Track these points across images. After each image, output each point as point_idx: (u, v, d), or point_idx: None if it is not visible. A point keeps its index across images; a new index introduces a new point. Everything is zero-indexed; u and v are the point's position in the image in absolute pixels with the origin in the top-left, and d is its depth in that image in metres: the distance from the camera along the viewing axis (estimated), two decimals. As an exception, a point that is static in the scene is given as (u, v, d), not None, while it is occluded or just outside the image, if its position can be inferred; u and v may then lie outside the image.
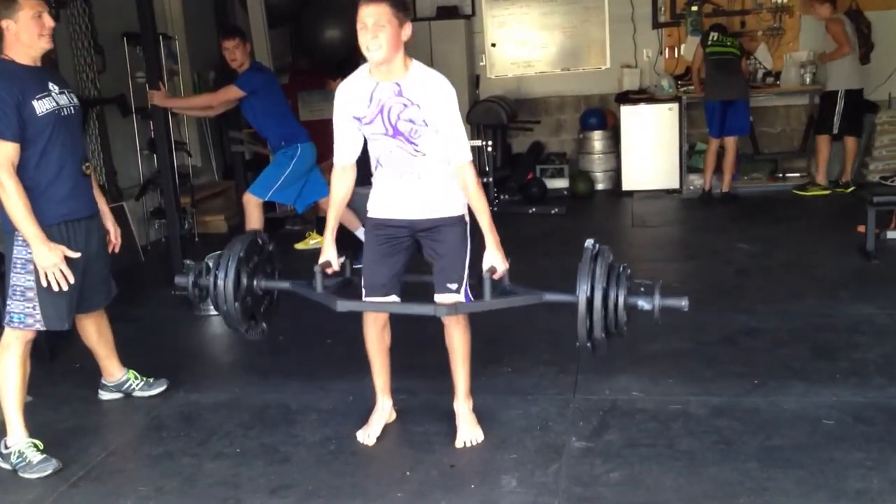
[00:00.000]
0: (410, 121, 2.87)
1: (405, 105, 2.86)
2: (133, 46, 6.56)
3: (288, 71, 8.51)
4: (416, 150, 2.93)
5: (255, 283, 3.25)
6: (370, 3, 2.76)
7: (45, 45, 3.15)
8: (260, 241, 3.37)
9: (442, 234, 3.02)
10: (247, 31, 7.31)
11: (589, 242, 2.91)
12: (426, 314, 3.05)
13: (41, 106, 3.09)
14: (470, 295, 3.07)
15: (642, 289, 2.86)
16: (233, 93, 5.43)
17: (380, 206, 3.07)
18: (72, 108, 3.26)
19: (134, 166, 7.02)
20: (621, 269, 2.87)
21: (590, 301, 2.78)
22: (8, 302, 3.18)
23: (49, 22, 3.10)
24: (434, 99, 2.85)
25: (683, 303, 2.86)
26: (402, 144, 2.92)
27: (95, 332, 3.62)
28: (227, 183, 7.72)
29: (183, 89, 7.64)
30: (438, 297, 3.03)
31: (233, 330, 3.38)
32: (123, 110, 6.76)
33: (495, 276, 2.95)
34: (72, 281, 3.13)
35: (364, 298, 3.09)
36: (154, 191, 6.62)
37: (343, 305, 3.04)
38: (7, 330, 3.20)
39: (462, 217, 3.04)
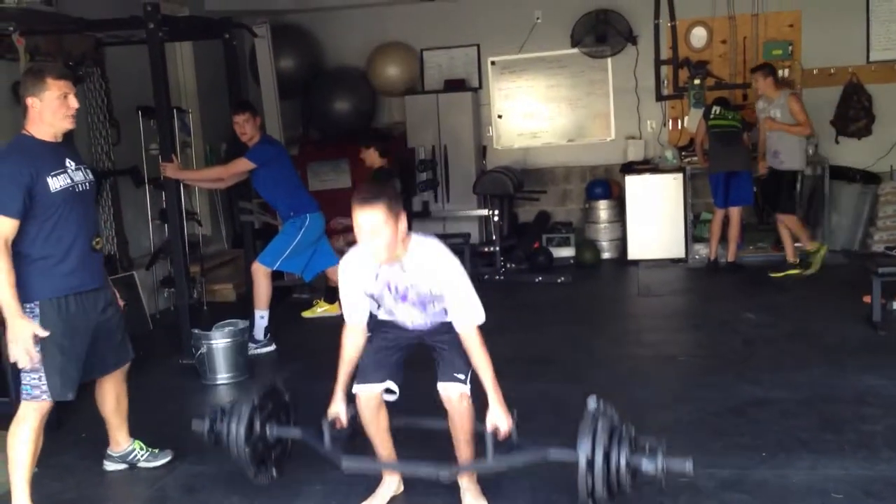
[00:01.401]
0: (418, 293, 3.00)
1: (411, 284, 2.99)
2: (147, 119, 6.72)
3: (298, 142, 8.67)
4: (425, 312, 3.07)
5: (267, 430, 3.33)
6: (364, 210, 2.83)
7: (67, 125, 3.25)
8: (279, 390, 3.47)
9: (448, 336, 3.09)
10: (259, 103, 7.50)
11: (591, 400, 2.92)
12: (430, 477, 3.15)
13: (55, 182, 3.17)
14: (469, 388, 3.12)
15: (647, 446, 2.85)
16: (243, 165, 5.54)
17: (386, 315, 3.19)
18: (87, 183, 3.34)
19: (145, 236, 7.11)
20: (624, 428, 2.88)
21: (590, 462, 2.78)
22: (22, 375, 3.23)
23: (74, 103, 3.20)
24: (436, 275, 2.96)
25: (688, 466, 2.80)
26: (410, 307, 3.07)
27: (113, 401, 3.64)
28: (236, 252, 7.79)
29: (195, 161, 7.78)
30: (443, 386, 3.07)
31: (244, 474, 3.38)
32: (136, 181, 6.88)
33: (499, 437, 2.99)
34: (36, 361, 3.15)
35: (356, 385, 3.14)
36: (164, 260, 6.68)
37: (348, 467, 3.15)
38: (23, 403, 3.24)
39: None
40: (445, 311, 3.05)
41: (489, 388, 3.01)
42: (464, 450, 3.15)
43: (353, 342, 3.17)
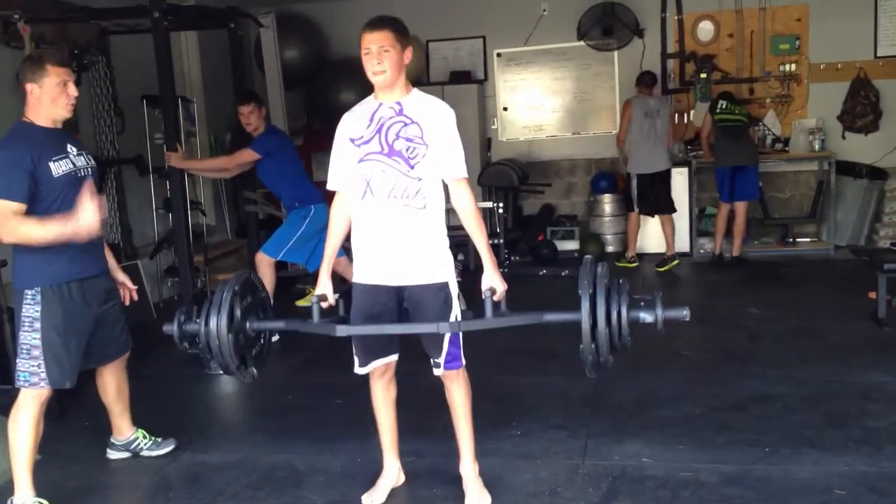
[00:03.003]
0: (409, 139, 2.91)
1: (405, 123, 2.93)
2: (152, 108, 6.71)
3: (303, 132, 8.66)
4: (410, 171, 2.91)
5: (247, 323, 3.10)
6: (374, 31, 2.90)
7: (66, 113, 3.24)
8: (255, 283, 3.23)
9: (425, 304, 2.98)
10: (263, 93, 7.48)
11: (587, 258, 2.90)
12: (429, 332, 2.97)
13: (57, 168, 3.16)
14: (460, 360, 3.07)
15: (642, 303, 2.81)
16: (248, 156, 5.53)
17: (365, 267, 3.02)
18: (89, 169, 3.33)
19: (149, 225, 7.12)
20: (620, 283, 2.83)
21: (593, 316, 2.72)
22: (18, 361, 3.22)
23: (73, 91, 3.19)
24: (433, 117, 2.94)
25: (685, 313, 2.80)
26: (396, 164, 2.91)
27: (115, 389, 3.64)
28: (240, 241, 7.79)
29: (200, 150, 7.78)
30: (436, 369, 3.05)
31: (222, 369, 3.13)
32: (141, 170, 6.88)
33: (495, 298, 2.95)
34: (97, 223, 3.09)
35: (358, 367, 3.09)
36: (168, 249, 6.69)
37: (342, 330, 2.96)
38: (22, 391, 3.23)
39: (446, 284, 3.00)
40: (425, 201, 2.92)
41: (483, 252, 2.98)
42: (463, 428, 3.15)
43: (340, 211, 3.08)
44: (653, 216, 7.61)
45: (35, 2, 5.50)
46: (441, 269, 3.00)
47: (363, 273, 3.03)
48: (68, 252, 3.20)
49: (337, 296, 3.10)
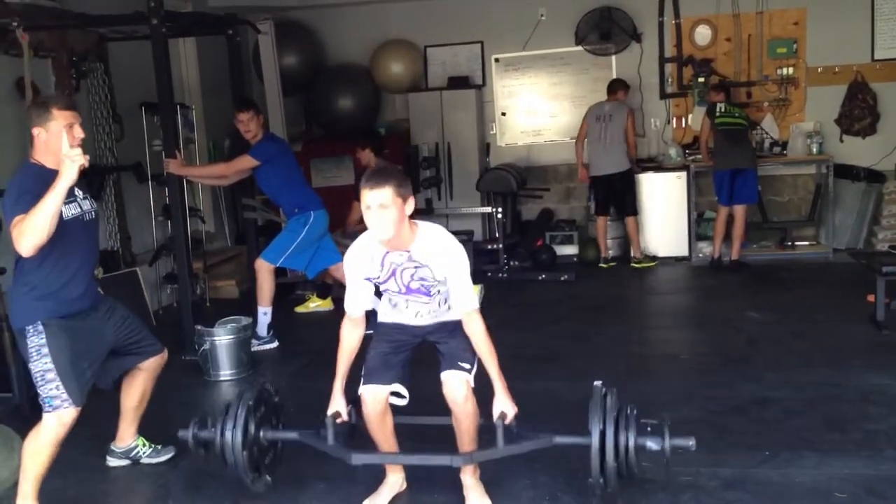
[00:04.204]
0: (422, 279, 3.02)
1: (416, 267, 3.01)
2: (151, 115, 6.71)
3: (301, 138, 8.67)
4: (430, 300, 3.09)
5: (261, 433, 3.24)
6: (374, 188, 2.88)
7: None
8: (268, 392, 3.38)
9: (450, 331, 3.14)
10: (262, 99, 7.49)
11: (597, 384, 2.99)
12: (442, 465, 3.13)
13: (68, 210, 3.18)
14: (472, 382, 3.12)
15: (649, 428, 2.95)
16: (247, 162, 5.54)
17: (392, 317, 3.23)
18: (92, 213, 3.37)
19: (148, 232, 7.12)
20: (629, 410, 2.96)
21: (602, 447, 2.85)
22: (38, 390, 3.24)
23: (79, 133, 3.19)
24: (441, 260, 3.00)
25: (691, 443, 2.95)
26: (416, 298, 3.10)
27: (140, 395, 3.66)
28: (239, 248, 7.79)
29: (198, 157, 7.78)
30: (447, 374, 3.06)
31: (238, 478, 3.24)
32: (139, 177, 6.88)
33: (506, 422, 3.02)
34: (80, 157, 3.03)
35: (363, 386, 3.11)
36: (167, 256, 6.69)
37: (358, 459, 3.12)
38: (45, 416, 3.24)
39: None
40: (448, 303, 3.09)
41: (494, 376, 3.03)
42: (468, 445, 3.15)
43: (351, 334, 3.17)
44: (607, 215, 7.70)
45: (33, 9, 5.51)
46: None
47: (390, 317, 3.23)
48: (70, 294, 3.24)
49: (350, 407, 3.19)
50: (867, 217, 7.75)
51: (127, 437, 3.74)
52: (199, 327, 5.09)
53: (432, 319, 3.17)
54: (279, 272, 5.86)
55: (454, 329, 3.12)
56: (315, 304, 6.58)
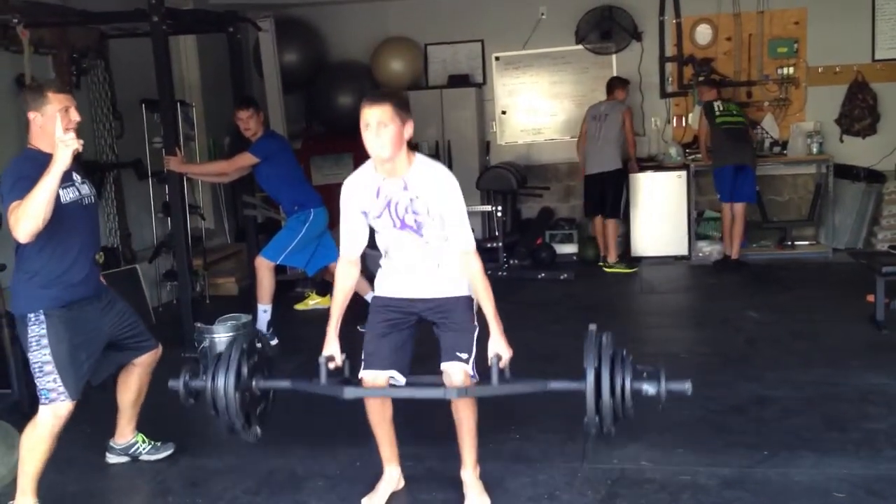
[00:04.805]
0: (416, 212, 2.96)
1: (411, 199, 2.95)
2: (151, 112, 6.71)
3: (301, 136, 8.66)
4: (423, 241, 3.02)
5: (254, 382, 3.17)
6: (373, 105, 2.86)
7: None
8: (259, 343, 3.32)
9: (449, 310, 3.07)
10: (262, 97, 7.49)
11: (592, 327, 2.94)
12: (436, 397, 3.06)
13: (66, 194, 3.17)
14: (476, 373, 3.09)
15: (645, 374, 2.88)
16: (247, 159, 5.54)
17: (386, 287, 3.14)
18: (91, 197, 3.37)
19: (148, 229, 7.12)
20: (624, 354, 2.91)
21: (597, 387, 2.81)
22: (36, 381, 3.24)
23: (75, 117, 3.18)
24: (437, 191, 2.95)
25: (687, 386, 2.88)
26: (409, 236, 3.02)
27: (136, 391, 3.65)
28: (238, 245, 7.80)
29: (199, 154, 7.78)
30: (446, 365, 3.05)
31: (226, 428, 3.17)
32: (139, 174, 6.88)
33: (500, 364, 2.99)
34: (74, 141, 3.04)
35: (362, 370, 3.10)
36: (167, 253, 6.69)
37: (350, 392, 3.06)
38: (42, 407, 3.25)
39: (469, 297, 3.09)
40: (439, 258, 3.04)
41: (490, 318, 3.00)
42: (467, 439, 3.15)
43: (346, 275, 3.13)
44: (601, 215, 7.66)
45: (34, 6, 5.51)
46: (461, 284, 3.09)
47: (385, 289, 3.15)
48: (72, 279, 3.24)
49: (343, 356, 3.14)
50: (867, 217, 7.75)
51: (126, 433, 3.74)
52: (198, 324, 5.08)
53: (426, 278, 3.07)
54: (279, 269, 5.86)
55: (451, 309, 3.06)
56: (315, 302, 6.59)
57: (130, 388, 3.65)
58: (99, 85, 6.50)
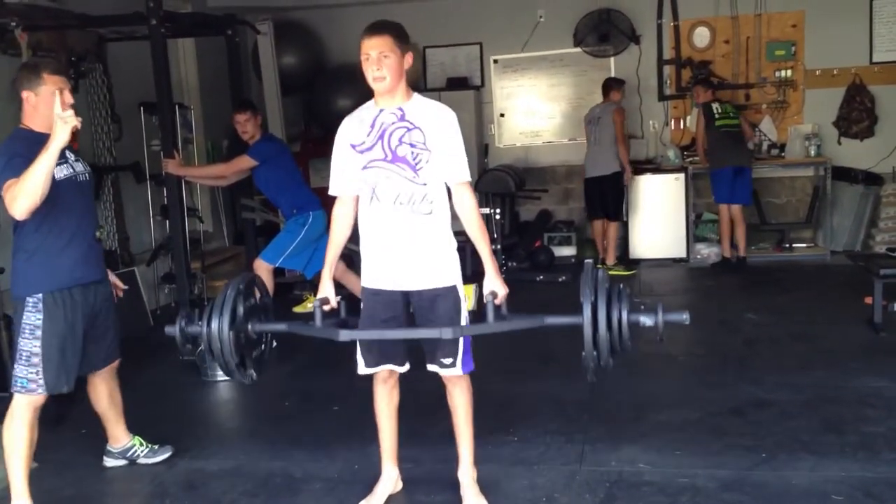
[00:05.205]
0: (411, 144, 2.90)
1: (407, 129, 2.91)
2: (149, 115, 6.71)
3: (300, 138, 8.66)
4: (415, 177, 2.91)
5: (249, 325, 3.06)
6: (373, 36, 2.89)
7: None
8: (258, 287, 3.22)
9: (436, 307, 2.99)
10: (261, 100, 7.49)
11: (588, 262, 2.88)
12: (432, 336, 2.96)
13: (59, 171, 3.16)
14: (471, 363, 3.08)
15: (642, 307, 2.81)
16: (245, 162, 5.54)
17: (373, 273, 3.03)
18: (86, 174, 3.36)
19: (146, 232, 7.12)
20: (621, 287, 2.82)
21: (594, 319, 2.71)
22: (15, 367, 3.22)
23: (69, 99, 3.18)
24: (435, 121, 2.92)
25: (685, 316, 2.79)
26: (401, 170, 2.91)
27: (107, 397, 3.63)
28: (237, 248, 7.79)
29: (197, 157, 7.78)
30: (431, 368, 3.05)
31: (221, 369, 3.08)
32: (138, 177, 6.88)
33: (496, 301, 2.94)
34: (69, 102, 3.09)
35: (361, 369, 3.08)
36: (165, 256, 6.69)
37: (345, 335, 2.95)
38: (16, 397, 3.22)
39: (454, 287, 3.02)
40: (431, 206, 2.93)
41: (485, 256, 2.98)
42: (464, 431, 3.15)
43: (341, 218, 3.06)
44: (600, 218, 7.67)
45: (32, 9, 5.51)
46: (449, 273, 3.01)
47: (371, 278, 3.05)
48: (69, 256, 3.22)
49: (339, 298, 3.09)
50: (865, 219, 7.76)
51: (119, 436, 3.73)
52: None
53: (411, 226, 2.92)
54: (277, 272, 5.85)
55: (440, 308, 2.97)
56: (313, 304, 6.56)
57: (101, 395, 3.62)
58: (97, 88, 6.50)
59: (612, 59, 8.52)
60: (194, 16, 6.87)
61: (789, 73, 8.11)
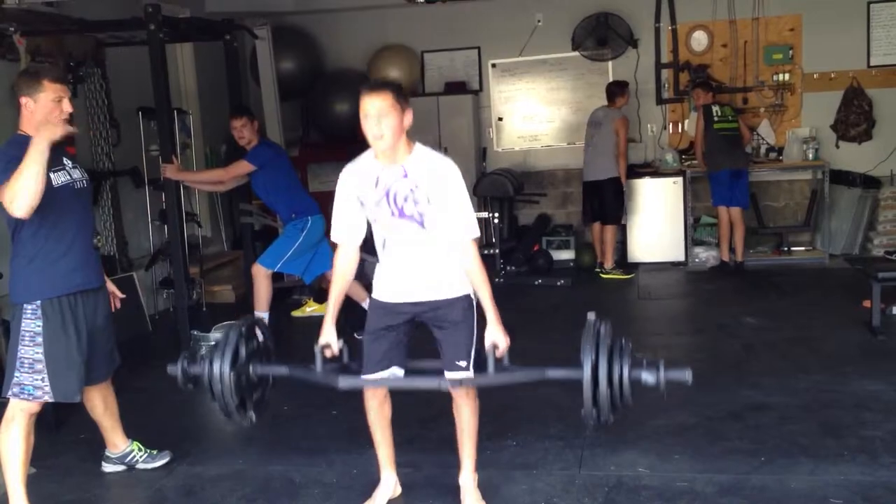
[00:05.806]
0: (416, 202, 2.93)
1: (411, 189, 2.93)
2: (148, 120, 6.72)
3: (298, 143, 8.67)
4: (422, 230, 2.96)
5: (251, 367, 3.13)
6: (373, 94, 2.86)
7: (59, 130, 3.21)
8: (259, 329, 3.29)
9: (446, 312, 3.03)
10: (259, 104, 7.50)
11: (591, 315, 2.90)
12: (431, 388, 3.04)
13: (57, 178, 3.17)
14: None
15: (644, 363, 2.83)
16: (243, 167, 5.54)
17: (384, 289, 3.09)
18: (84, 181, 3.35)
19: (144, 237, 7.11)
20: (623, 342, 2.86)
21: (595, 377, 2.75)
22: (15, 374, 3.20)
23: (67, 108, 3.18)
24: (438, 180, 2.93)
25: (687, 375, 2.80)
26: (408, 225, 2.97)
27: (101, 404, 3.62)
28: (235, 253, 7.79)
29: (195, 162, 7.78)
30: (448, 375, 3.04)
31: (222, 411, 3.13)
32: (136, 182, 6.88)
33: (497, 353, 2.96)
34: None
35: (363, 375, 3.09)
36: (164, 261, 6.68)
37: (345, 382, 3.02)
38: (12, 402, 3.21)
39: (467, 296, 3.05)
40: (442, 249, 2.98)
41: (487, 307, 2.98)
42: (467, 442, 3.15)
43: (345, 263, 3.08)
44: (592, 223, 7.70)
45: (30, 14, 5.51)
46: (459, 284, 3.04)
47: (382, 292, 3.10)
48: (68, 263, 3.22)
49: (341, 342, 3.11)
50: (863, 223, 7.77)
51: (117, 443, 3.72)
52: (195, 332, 5.08)
53: (425, 276, 3.00)
54: (276, 277, 5.85)
55: (450, 310, 3.01)
56: (311, 309, 6.58)
57: (95, 401, 3.61)
58: (96, 93, 6.50)
59: (610, 62, 8.52)
60: (192, 21, 6.85)
61: (787, 76, 8.11)
